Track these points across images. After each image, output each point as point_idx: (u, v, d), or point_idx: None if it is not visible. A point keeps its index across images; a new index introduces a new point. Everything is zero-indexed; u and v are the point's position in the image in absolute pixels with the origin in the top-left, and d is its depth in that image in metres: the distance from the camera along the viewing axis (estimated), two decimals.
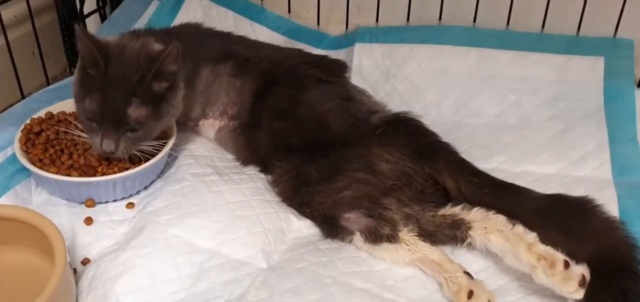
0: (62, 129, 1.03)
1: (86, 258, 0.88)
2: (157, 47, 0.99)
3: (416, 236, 0.90)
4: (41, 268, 0.82)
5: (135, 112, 0.93)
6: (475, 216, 0.90)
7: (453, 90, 1.24)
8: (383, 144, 1.00)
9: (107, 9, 1.45)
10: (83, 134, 0.97)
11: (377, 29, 1.34)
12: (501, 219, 0.88)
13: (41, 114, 1.05)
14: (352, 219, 0.94)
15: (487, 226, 0.88)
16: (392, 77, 1.27)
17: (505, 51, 1.26)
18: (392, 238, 0.90)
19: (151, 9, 1.40)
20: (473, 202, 0.93)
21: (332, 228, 0.95)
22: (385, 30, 1.33)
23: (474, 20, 1.32)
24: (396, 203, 0.95)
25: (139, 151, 0.96)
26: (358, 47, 1.31)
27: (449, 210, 0.93)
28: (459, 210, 0.92)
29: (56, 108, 1.07)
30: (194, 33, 1.16)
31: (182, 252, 0.87)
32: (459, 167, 0.97)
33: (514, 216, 0.88)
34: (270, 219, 0.96)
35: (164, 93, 0.97)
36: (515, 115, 1.20)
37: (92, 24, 1.44)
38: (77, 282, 0.83)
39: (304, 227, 0.97)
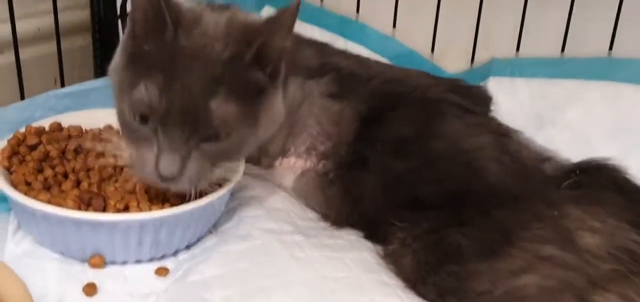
0: (73, 147, 0.67)
1: None
2: (258, 17, 0.66)
3: None
4: None
5: (221, 108, 0.57)
6: None
7: None
8: (582, 203, 0.62)
9: None
10: (115, 153, 0.62)
11: (520, 60, 0.98)
12: None
13: (43, 123, 0.70)
14: None
15: None
16: (547, 124, 0.90)
17: None
18: None
19: None
20: None
21: None
22: (534, 62, 0.97)
23: None
24: None
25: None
26: (494, 82, 0.95)
27: None
28: None
29: (69, 119, 0.72)
30: None
31: None
32: None
33: None
34: None
35: (263, 86, 0.62)
36: None
37: None
38: None
39: None
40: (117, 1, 1.08)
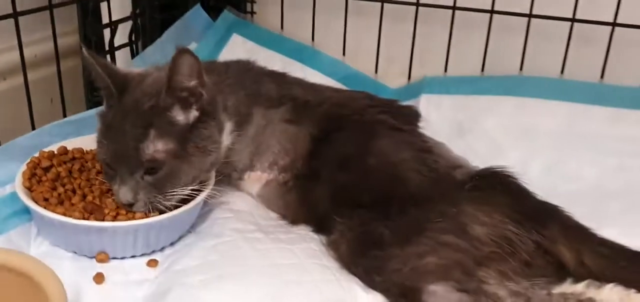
0: (77, 167, 0.84)
1: None
2: None
3: None
4: None
5: (150, 146, 0.76)
6: (611, 295, 0.69)
7: (542, 151, 1.05)
8: (476, 203, 0.80)
9: (139, 44, 1.29)
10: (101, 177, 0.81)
11: (447, 78, 1.17)
12: None
13: (53, 148, 0.86)
14: (440, 293, 0.71)
15: None
16: (467, 133, 1.08)
17: (601, 107, 1.08)
18: None
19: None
20: (601, 278, 0.72)
21: None
22: (458, 80, 1.15)
23: (562, 72, 1.14)
24: (496, 276, 0.74)
25: (168, 203, 0.77)
26: (425, 98, 1.14)
27: (570, 287, 0.72)
28: (584, 287, 0.71)
29: (71, 144, 0.89)
30: (247, 69, 0.99)
31: None
32: (579, 234, 0.76)
33: None
34: (331, 289, 0.74)
35: (192, 124, 0.79)
36: (619, 180, 1.00)
37: (122, 59, 1.28)
38: None
39: None
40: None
